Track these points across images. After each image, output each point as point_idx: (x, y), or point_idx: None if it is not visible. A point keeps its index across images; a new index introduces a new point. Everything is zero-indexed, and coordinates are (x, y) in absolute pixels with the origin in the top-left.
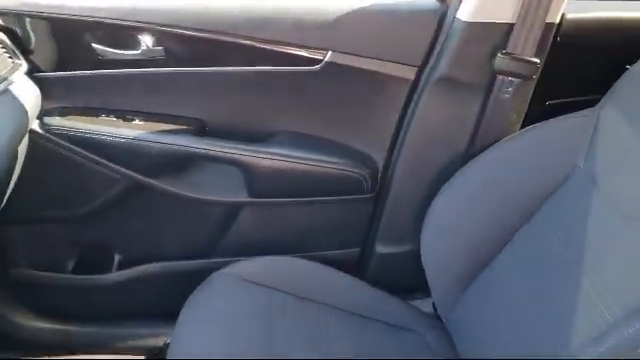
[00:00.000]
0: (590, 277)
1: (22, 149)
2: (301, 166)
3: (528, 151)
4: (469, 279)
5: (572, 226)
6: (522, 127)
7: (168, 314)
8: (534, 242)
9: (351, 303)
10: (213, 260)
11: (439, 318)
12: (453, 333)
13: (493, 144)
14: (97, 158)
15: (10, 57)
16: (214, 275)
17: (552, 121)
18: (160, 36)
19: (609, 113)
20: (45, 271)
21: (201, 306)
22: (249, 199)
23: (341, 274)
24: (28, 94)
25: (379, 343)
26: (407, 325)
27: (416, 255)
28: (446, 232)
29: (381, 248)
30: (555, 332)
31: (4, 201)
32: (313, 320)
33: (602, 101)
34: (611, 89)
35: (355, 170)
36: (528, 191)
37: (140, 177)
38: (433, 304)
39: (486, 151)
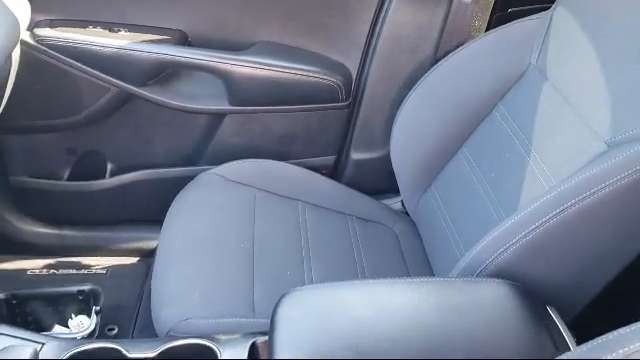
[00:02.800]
0: (535, 158)
1: (15, 59)
2: (278, 74)
3: (487, 53)
4: (432, 176)
5: (523, 117)
6: None
7: (158, 219)
8: (490, 136)
9: (327, 200)
10: (198, 167)
11: (406, 213)
12: (418, 224)
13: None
14: (87, 68)
15: None
16: (201, 175)
17: (510, 24)
18: None
19: (561, 13)
20: (42, 179)
21: (189, 199)
22: (230, 107)
23: (317, 175)
24: (18, 5)
25: (352, 232)
26: (378, 219)
27: (387, 160)
28: (413, 132)
29: (356, 154)
30: (504, 207)
31: (0, 110)
32: (291, 213)
33: (555, 3)
34: None
35: (330, 78)
36: (487, 90)
37: (128, 86)
38: (402, 202)
39: (449, 55)
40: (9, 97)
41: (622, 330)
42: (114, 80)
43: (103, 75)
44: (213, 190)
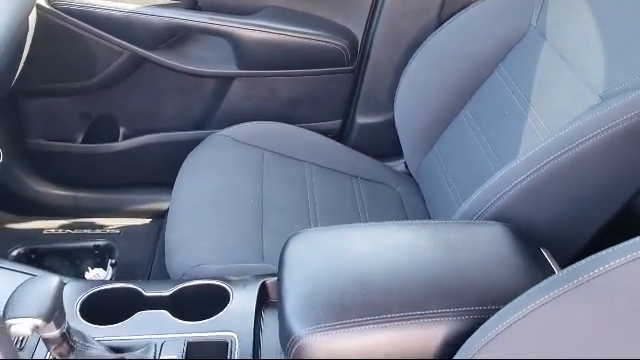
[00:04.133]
0: (533, 114)
1: (31, 23)
2: (285, 38)
3: (490, 15)
4: (435, 137)
5: (523, 76)
6: None
7: (169, 182)
8: (491, 96)
9: (333, 162)
10: (208, 131)
11: (409, 175)
12: (420, 184)
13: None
14: (100, 31)
15: None
16: (211, 136)
17: None
18: None
19: None
20: (57, 141)
21: (200, 159)
22: (239, 71)
23: (324, 137)
24: None
25: (356, 192)
26: (382, 180)
27: (392, 124)
28: (416, 94)
29: (361, 118)
30: (502, 161)
31: (17, 74)
32: (298, 173)
33: None
34: None
35: (335, 42)
36: (489, 51)
37: (139, 49)
38: (405, 164)
39: (452, 18)
40: (25, 61)
41: (601, 252)
42: (126, 44)
43: (116, 39)
44: (223, 150)
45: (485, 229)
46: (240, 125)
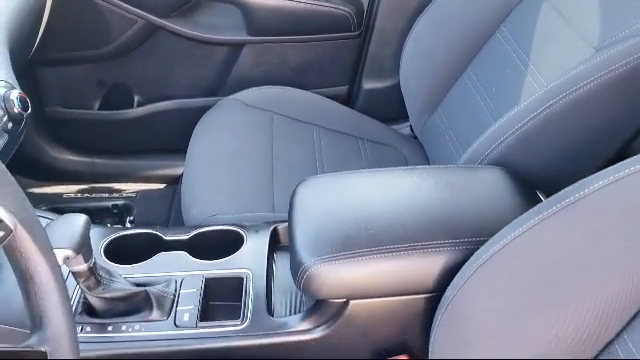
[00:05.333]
0: (532, 71)
1: None
2: (293, 4)
3: None
4: (439, 98)
5: (523, 35)
6: None
7: (182, 148)
8: (493, 56)
9: (340, 124)
10: (219, 97)
11: (414, 137)
12: (425, 145)
13: None
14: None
15: None
16: (222, 100)
17: None
18: None
19: None
20: (75, 109)
21: (212, 122)
22: (248, 37)
23: (331, 101)
24: None
25: (363, 153)
26: (387, 142)
27: (398, 88)
28: (421, 57)
29: (367, 84)
30: (501, 115)
31: (35, 44)
32: (307, 135)
33: None
34: None
35: (341, 8)
36: (491, 13)
37: (153, 17)
38: (410, 127)
39: None
40: (43, 30)
41: (587, 177)
42: (140, 11)
43: (129, 7)
44: (234, 114)
45: (483, 172)
46: (250, 89)
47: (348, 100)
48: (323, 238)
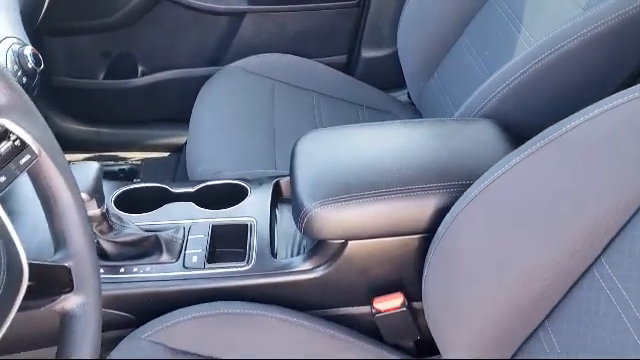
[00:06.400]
0: (524, 33)
1: None
2: None
3: None
4: (435, 64)
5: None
6: None
7: (186, 118)
8: (487, 21)
9: (339, 92)
10: (221, 67)
11: (412, 104)
12: (422, 112)
13: None
14: None
15: None
16: (224, 67)
17: None
18: None
19: None
20: (81, 78)
21: (215, 88)
22: (249, 6)
23: (330, 69)
24: None
25: (361, 120)
26: (385, 108)
27: (396, 57)
28: (417, 24)
29: (366, 52)
30: (491, 71)
31: (42, 12)
32: (306, 102)
33: None
34: None
35: None
36: None
37: None
38: (408, 94)
39: None
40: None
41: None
42: None
43: None
44: (236, 80)
45: (475, 124)
46: (252, 57)
47: (347, 68)
48: (323, 184)
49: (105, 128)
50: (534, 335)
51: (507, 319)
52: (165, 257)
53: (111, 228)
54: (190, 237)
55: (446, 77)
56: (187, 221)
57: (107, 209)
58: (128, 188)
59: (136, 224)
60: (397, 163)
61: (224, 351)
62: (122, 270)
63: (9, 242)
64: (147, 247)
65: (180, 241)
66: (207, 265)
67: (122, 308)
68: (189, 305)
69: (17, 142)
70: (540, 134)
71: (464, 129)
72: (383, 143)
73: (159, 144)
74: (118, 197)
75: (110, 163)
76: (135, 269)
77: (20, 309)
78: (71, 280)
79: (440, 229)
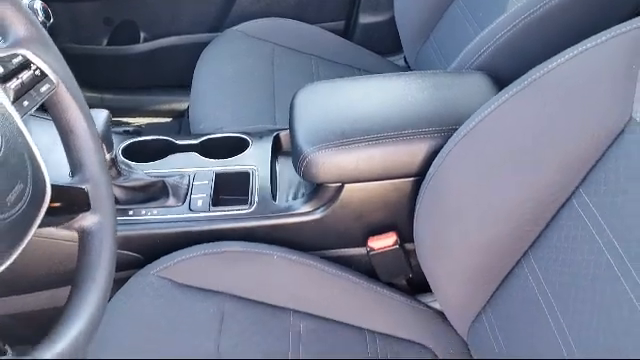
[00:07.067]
0: None
1: None
2: None
3: None
4: (430, 28)
5: None
6: None
7: (187, 84)
8: None
9: (337, 55)
10: (221, 33)
11: (409, 68)
12: None
13: None
14: None
15: None
16: (225, 32)
17: None
18: None
19: None
20: (84, 44)
21: (216, 51)
22: None
23: (329, 33)
24: None
25: None
26: (382, 72)
27: (393, 22)
28: None
29: (363, 18)
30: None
31: None
32: (305, 65)
33: None
34: None
35: None
36: None
37: None
38: (404, 58)
39: None
40: None
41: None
42: None
43: None
44: (236, 44)
45: (467, 75)
46: (251, 21)
47: (345, 34)
48: (320, 131)
49: (108, 94)
50: (518, 264)
51: (493, 251)
52: (172, 201)
53: (120, 174)
54: (195, 183)
55: (441, 40)
56: (192, 169)
57: (116, 155)
58: (134, 140)
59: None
60: (391, 111)
61: (228, 286)
62: (131, 213)
63: (35, 164)
64: (154, 192)
65: (185, 187)
66: (212, 208)
67: (132, 248)
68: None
69: (37, 72)
70: (521, 78)
71: (455, 80)
72: (378, 93)
73: (161, 109)
74: (125, 149)
75: (114, 128)
76: (143, 212)
77: (43, 225)
78: (88, 201)
79: (430, 170)
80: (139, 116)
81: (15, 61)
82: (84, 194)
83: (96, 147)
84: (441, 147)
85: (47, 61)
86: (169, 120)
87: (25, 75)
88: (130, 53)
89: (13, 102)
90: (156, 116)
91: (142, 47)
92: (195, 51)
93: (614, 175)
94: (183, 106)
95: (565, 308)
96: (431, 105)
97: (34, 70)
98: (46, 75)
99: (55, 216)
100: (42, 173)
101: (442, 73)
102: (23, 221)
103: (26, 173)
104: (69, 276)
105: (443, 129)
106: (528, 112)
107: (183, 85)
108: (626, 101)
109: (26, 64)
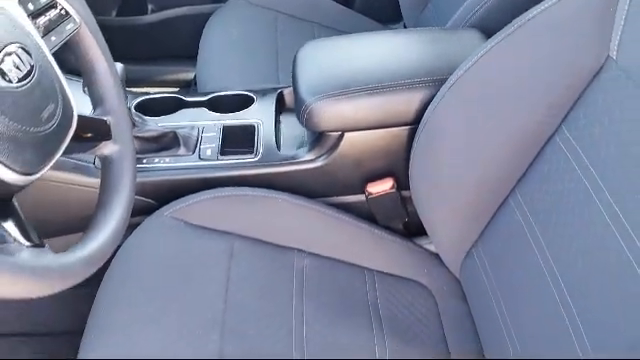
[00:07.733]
0: None
1: None
2: None
3: None
4: None
5: None
6: None
7: (193, 55)
8: None
9: (338, 23)
10: (226, 2)
11: None
12: None
13: None
14: None
15: None
16: (229, 1)
17: None
18: None
19: None
20: (95, 15)
21: (221, 18)
22: None
23: (330, 1)
24: None
25: None
26: None
27: None
28: None
29: None
30: None
31: None
32: (308, 33)
33: None
34: None
35: None
36: None
37: None
38: (404, 25)
39: None
40: None
41: None
42: None
43: None
44: (240, 12)
45: (461, 32)
46: None
47: (346, 2)
48: (322, 82)
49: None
50: (506, 201)
51: (482, 190)
52: (182, 150)
53: (133, 125)
54: (204, 135)
55: (440, 5)
56: (201, 122)
57: (130, 107)
58: (145, 98)
59: None
60: (388, 63)
61: (237, 227)
62: (145, 161)
63: (64, 92)
64: (166, 142)
65: (195, 137)
66: (220, 157)
67: (146, 194)
68: None
69: (62, 11)
70: (505, 28)
71: (450, 35)
72: (376, 47)
73: (168, 79)
74: (137, 106)
75: None
76: (156, 160)
77: (71, 150)
78: (109, 132)
79: (424, 116)
80: (147, 86)
81: (43, 1)
82: (106, 125)
83: (116, 83)
84: (434, 95)
85: (71, 2)
86: (176, 90)
87: (52, 13)
88: (138, 24)
89: (42, 37)
90: (163, 86)
91: (150, 18)
92: (201, 22)
93: (592, 109)
94: (190, 76)
95: (549, 237)
96: (426, 57)
97: (60, 9)
98: (70, 15)
99: (80, 143)
100: (69, 101)
101: (437, 29)
102: (55, 138)
103: (56, 97)
104: (84, 222)
105: (437, 79)
106: (513, 57)
107: (190, 55)
108: (604, 40)
109: (53, 3)
